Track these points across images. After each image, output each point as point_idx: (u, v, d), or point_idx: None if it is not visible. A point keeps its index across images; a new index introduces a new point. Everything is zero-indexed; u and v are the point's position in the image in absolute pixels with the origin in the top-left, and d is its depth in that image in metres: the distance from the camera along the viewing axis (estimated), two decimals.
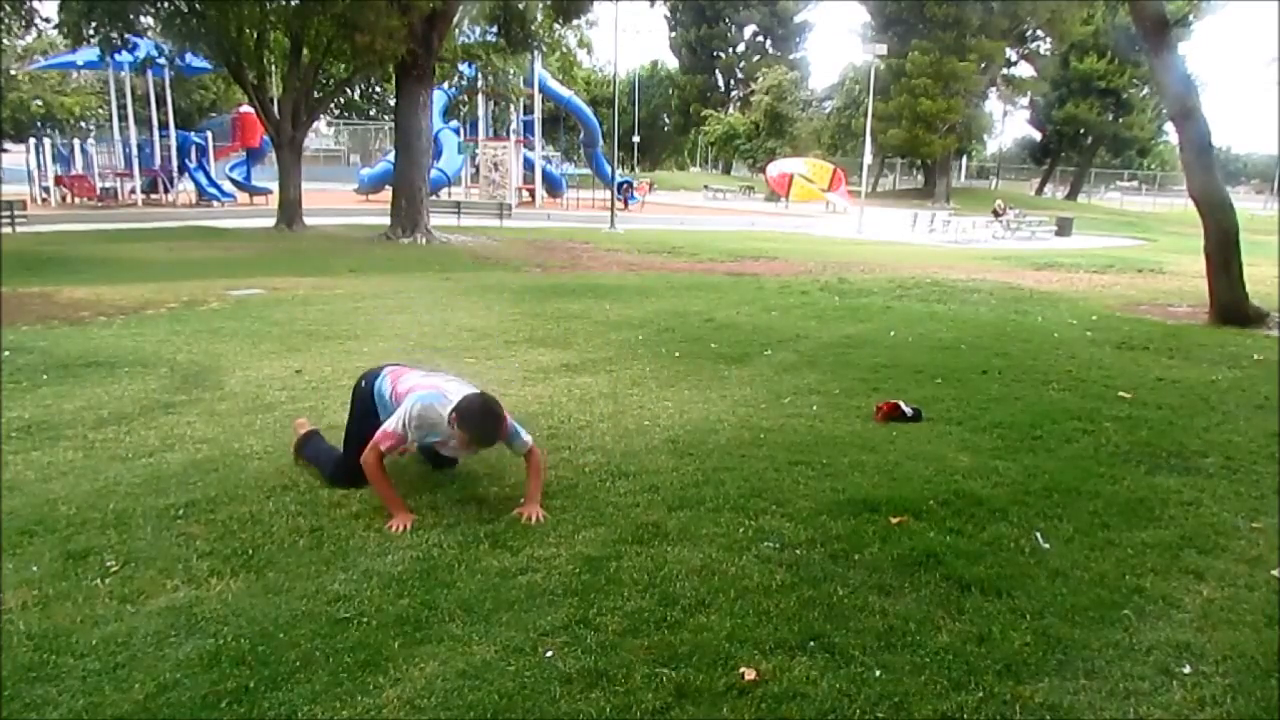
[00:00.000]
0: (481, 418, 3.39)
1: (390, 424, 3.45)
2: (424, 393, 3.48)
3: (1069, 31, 42.05)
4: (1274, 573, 3.17)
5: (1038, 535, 3.42)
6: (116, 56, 17.43)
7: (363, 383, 3.82)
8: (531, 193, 30.37)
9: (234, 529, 3.30)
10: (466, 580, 2.93)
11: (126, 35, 16.45)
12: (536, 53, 23.05)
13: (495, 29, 19.21)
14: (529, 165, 30.69)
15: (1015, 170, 61.11)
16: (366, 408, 3.74)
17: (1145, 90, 45.23)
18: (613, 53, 56.33)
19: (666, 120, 64.28)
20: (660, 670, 2.43)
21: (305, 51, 17.72)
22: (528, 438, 3.59)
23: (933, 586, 2.97)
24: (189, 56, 18.43)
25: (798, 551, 3.22)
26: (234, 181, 27.28)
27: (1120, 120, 47.27)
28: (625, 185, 30.94)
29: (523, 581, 2.94)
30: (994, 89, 47.72)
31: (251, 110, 20.45)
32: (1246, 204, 30.26)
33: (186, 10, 16.48)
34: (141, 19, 17.19)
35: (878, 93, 32.30)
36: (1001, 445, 4.61)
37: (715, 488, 3.83)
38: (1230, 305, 9.47)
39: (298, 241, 16.59)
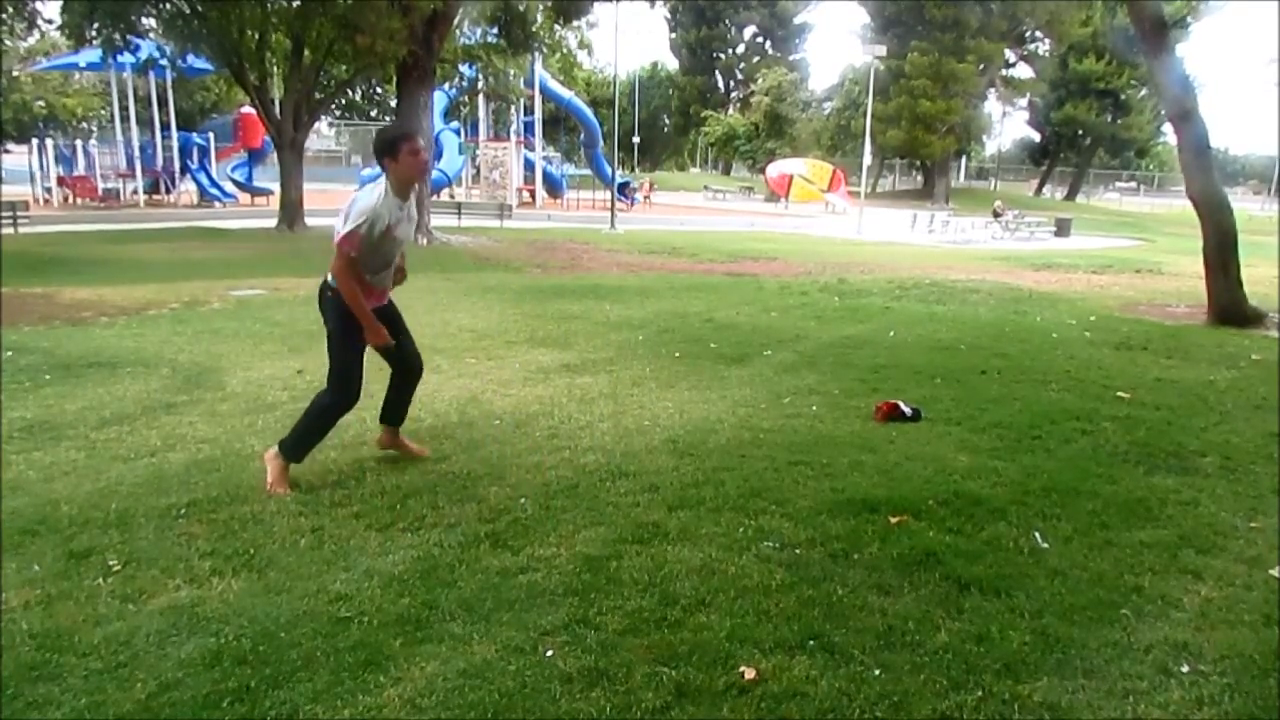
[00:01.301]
0: (398, 127, 3.77)
1: (342, 228, 3.51)
2: (356, 197, 3.61)
3: (1067, 33, 42.06)
4: (1272, 572, 3.18)
5: (1036, 534, 3.43)
6: (118, 58, 17.42)
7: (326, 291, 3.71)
8: (532, 193, 30.39)
9: (235, 529, 3.31)
10: (467, 580, 2.94)
11: (128, 36, 16.47)
12: (537, 54, 23.07)
13: (496, 30, 19.23)
14: (529, 166, 30.71)
15: (1014, 171, 61.11)
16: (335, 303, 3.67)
17: (1144, 91, 45.25)
18: (613, 54, 56.44)
19: (666, 121, 64.31)
20: (660, 669, 2.44)
21: (306, 52, 17.73)
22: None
23: (932, 586, 2.98)
24: (190, 57, 18.44)
25: (797, 551, 3.23)
26: (235, 182, 27.30)
27: (1119, 121, 47.28)
28: (625, 186, 30.97)
29: (523, 581, 2.95)
30: (993, 90, 47.72)
31: (253, 111, 20.46)
32: (1244, 204, 30.28)
33: (188, 11, 16.50)
34: (143, 20, 17.21)
35: (877, 94, 32.30)
36: (1000, 445, 4.62)
37: (715, 488, 3.84)
38: (1228, 306, 9.48)
39: (299, 242, 16.59)
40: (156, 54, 18.33)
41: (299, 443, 3.77)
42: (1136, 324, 9.22)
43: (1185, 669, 2.54)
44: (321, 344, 3.82)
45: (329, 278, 3.67)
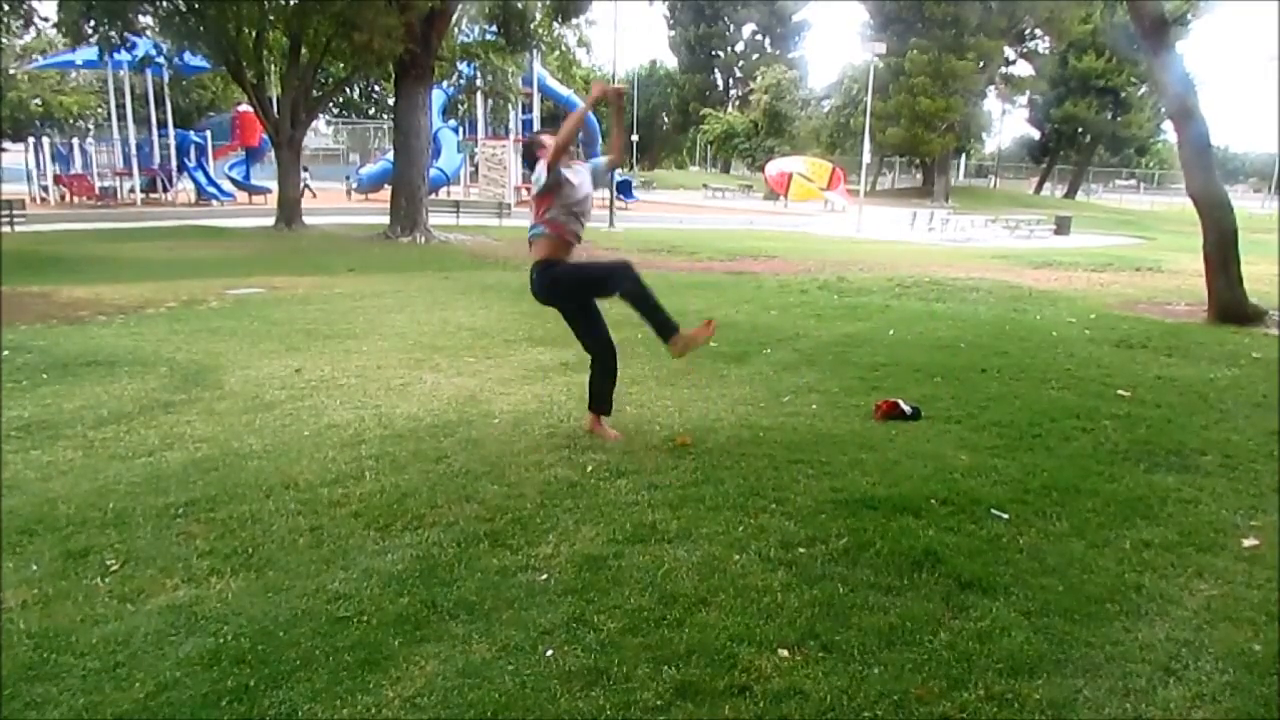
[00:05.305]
0: None
1: None
2: None
3: (1067, 30, 42.04)
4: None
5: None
6: (115, 55, 17.42)
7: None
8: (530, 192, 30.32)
9: (234, 528, 3.30)
10: (466, 579, 2.93)
11: (125, 34, 16.45)
12: (535, 51, 23.05)
13: (494, 28, 19.21)
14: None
15: (1014, 169, 61.08)
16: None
17: (1144, 89, 45.24)
18: (612, 51, 56.34)
19: (665, 119, 64.29)
20: (660, 668, 2.43)
21: (304, 50, 17.71)
22: None
23: (932, 585, 2.97)
24: (188, 55, 18.45)
25: (798, 550, 3.22)
26: (233, 180, 27.27)
27: (1119, 119, 47.27)
28: (625, 185, 30.91)
29: (523, 580, 2.94)
30: (993, 87, 47.72)
31: (250, 109, 20.45)
32: (1244, 202, 30.28)
33: (185, 9, 16.48)
34: (140, 18, 17.20)
35: (876, 91, 32.27)
36: (1000, 444, 4.61)
37: (715, 486, 3.83)
38: (1229, 303, 9.47)
39: (297, 240, 16.59)
40: (153, 52, 18.33)
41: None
42: (1136, 322, 9.22)
43: (1186, 667, 2.54)
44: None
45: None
